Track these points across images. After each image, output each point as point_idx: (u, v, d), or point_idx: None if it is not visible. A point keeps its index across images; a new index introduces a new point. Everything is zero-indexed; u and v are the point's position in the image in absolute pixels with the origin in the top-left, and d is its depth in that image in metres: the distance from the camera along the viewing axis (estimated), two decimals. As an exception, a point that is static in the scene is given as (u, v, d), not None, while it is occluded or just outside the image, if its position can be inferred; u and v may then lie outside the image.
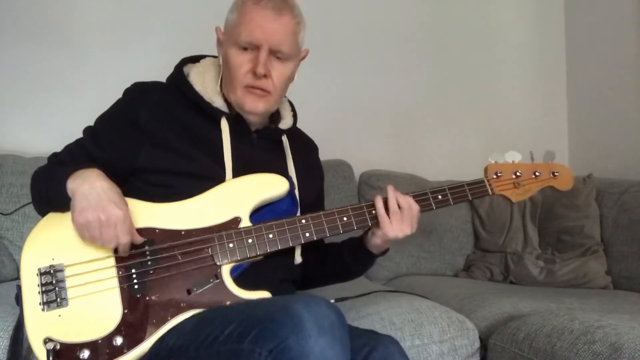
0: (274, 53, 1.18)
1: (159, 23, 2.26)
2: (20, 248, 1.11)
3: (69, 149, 1.23)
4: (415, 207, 1.23)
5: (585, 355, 1.21)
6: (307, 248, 1.26)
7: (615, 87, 2.50)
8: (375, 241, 1.26)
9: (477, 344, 1.43)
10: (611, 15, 2.51)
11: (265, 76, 1.18)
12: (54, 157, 1.24)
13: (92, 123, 1.26)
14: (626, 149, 2.42)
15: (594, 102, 2.64)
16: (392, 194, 1.23)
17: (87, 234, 1.05)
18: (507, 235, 2.20)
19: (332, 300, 1.35)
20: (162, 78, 1.29)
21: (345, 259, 1.32)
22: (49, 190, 1.13)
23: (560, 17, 2.78)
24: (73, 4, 2.17)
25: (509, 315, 1.56)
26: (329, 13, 2.35)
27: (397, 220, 1.22)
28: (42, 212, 1.16)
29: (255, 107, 1.20)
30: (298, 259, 1.24)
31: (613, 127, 2.51)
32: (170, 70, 1.29)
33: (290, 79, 1.25)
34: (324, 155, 1.47)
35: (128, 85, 1.25)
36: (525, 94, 2.76)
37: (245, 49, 1.18)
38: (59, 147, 1.26)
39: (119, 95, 1.25)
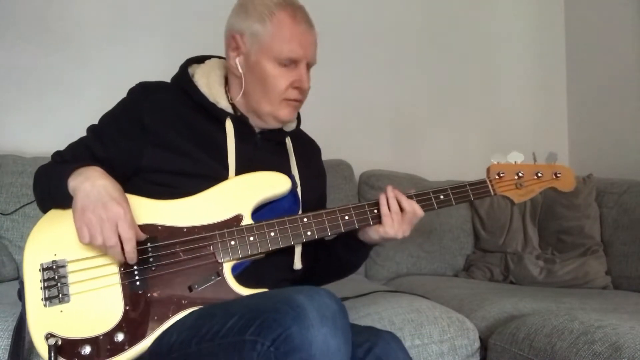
0: (307, 66, 1.22)
1: (161, 22, 2.26)
2: (21, 248, 1.11)
3: (73, 147, 1.23)
4: (420, 213, 1.24)
5: (585, 355, 1.21)
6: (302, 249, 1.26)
7: (615, 87, 2.50)
8: (373, 236, 1.25)
9: (477, 344, 1.43)
10: (611, 15, 2.52)
11: None
12: (57, 155, 1.24)
13: (92, 123, 1.25)
14: (626, 149, 2.42)
15: (594, 102, 2.64)
16: (391, 194, 1.23)
17: (88, 233, 1.04)
18: (507, 235, 2.20)
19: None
20: (164, 77, 1.29)
21: (339, 251, 1.32)
22: (50, 188, 1.13)
23: (560, 17, 2.79)
24: (74, 3, 2.17)
25: (509, 315, 1.56)
26: (330, 14, 2.35)
27: (399, 221, 1.22)
28: (45, 209, 1.16)
29: (291, 117, 1.25)
30: (298, 264, 1.24)
31: (613, 127, 2.51)
32: (172, 69, 1.29)
33: None
34: (324, 155, 1.47)
35: (129, 85, 1.25)
36: (525, 94, 2.77)
37: (284, 64, 1.20)
38: (59, 147, 1.25)
39: (120, 95, 1.25)
